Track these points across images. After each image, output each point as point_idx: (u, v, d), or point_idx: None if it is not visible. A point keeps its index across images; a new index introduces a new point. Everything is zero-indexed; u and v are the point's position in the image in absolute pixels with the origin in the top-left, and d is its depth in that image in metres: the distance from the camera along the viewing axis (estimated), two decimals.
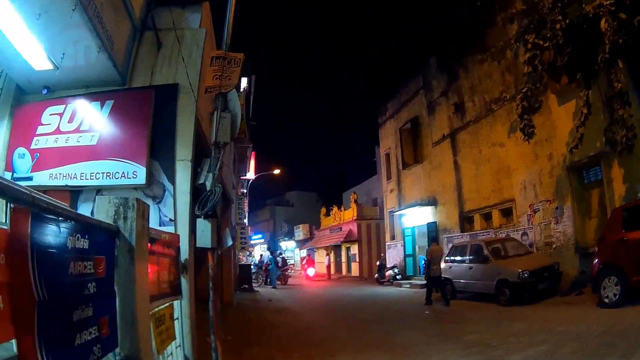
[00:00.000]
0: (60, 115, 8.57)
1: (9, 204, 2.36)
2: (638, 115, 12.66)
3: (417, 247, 29.88)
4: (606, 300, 11.40)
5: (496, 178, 21.09)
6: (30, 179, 8.22)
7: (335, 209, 51.39)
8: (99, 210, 4.25)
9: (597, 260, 12.10)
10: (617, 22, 11.01)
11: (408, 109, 30.55)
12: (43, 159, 8.39)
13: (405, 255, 30.75)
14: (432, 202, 27.34)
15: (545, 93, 15.50)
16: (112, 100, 8.60)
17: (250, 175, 34.66)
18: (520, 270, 14.68)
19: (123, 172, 8.20)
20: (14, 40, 6.84)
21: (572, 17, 12.50)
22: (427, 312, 16.04)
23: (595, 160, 15.14)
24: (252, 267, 35.10)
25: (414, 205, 28.92)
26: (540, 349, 8.54)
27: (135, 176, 8.18)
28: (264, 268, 36.02)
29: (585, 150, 14.41)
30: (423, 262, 23.42)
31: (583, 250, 15.39)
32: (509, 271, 15.14)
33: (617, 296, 11.09)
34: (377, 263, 33.98)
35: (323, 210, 56.31)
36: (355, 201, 45.45)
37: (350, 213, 46.22)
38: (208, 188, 8.37)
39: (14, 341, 2.31)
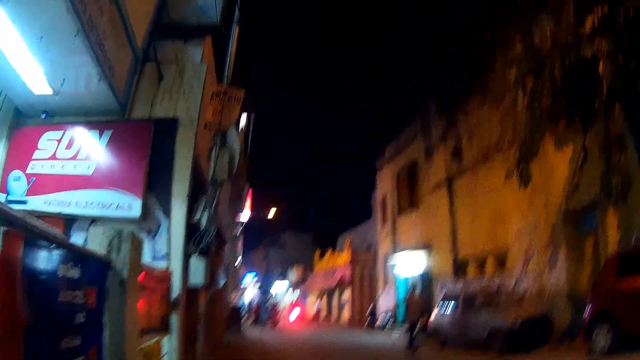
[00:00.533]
0: (58, 141, 8.52)
1: (1, 227, 2.32)
2: (634, 161, 12.69)
3: None
4: (597, 349, 11.28)
5: (492, 225, 21.02)
6: (24, 202, 8.14)
7: (330, 251, 51.12)
8: (93, 241, 4.23)
9: (589, 307, 12.01)
10: (615, 65, 11.13)
11: (406, 154, 30.68)
12: (39, 184, 8.31)
13: (398, 302, 30.48)
14: (426, 247, 27.17)
15: (542, 139, 15.56)
16: (111, 130, 8.58)
17: (246, 214, 34.44)
18: (512, 319, 14.56)
19: (118, 204, 8.12)
20: (15, 62, 6.82)
21: (570, 61, 12.63)
22: None
23: (591, 207, 15.10)
24: (241, 310, 34.75)
25: (408, 250, 28.75)
26: None
27: (130, 209, 8.11)
28: (254, 309, 35.80)
29: (581, 197, 14.43)
30: None
31: (576, 298, 15.25)
32: (501, 320, 15.00)
33: (609, 344, 10.96)
34: (369, 309, 33.70)
35: (317, 252, 56.04)
36: (350, 245, 45.25)
37: (344, 257, 45.96)
38: (203, 226, 8.35)
39: None
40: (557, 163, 16.62)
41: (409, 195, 29.66)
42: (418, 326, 18.48)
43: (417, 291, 22.28)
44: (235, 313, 29.50)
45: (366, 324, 31.92)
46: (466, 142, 23.57)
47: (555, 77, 12.90)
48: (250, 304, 37.41)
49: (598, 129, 13.33)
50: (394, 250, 31.23)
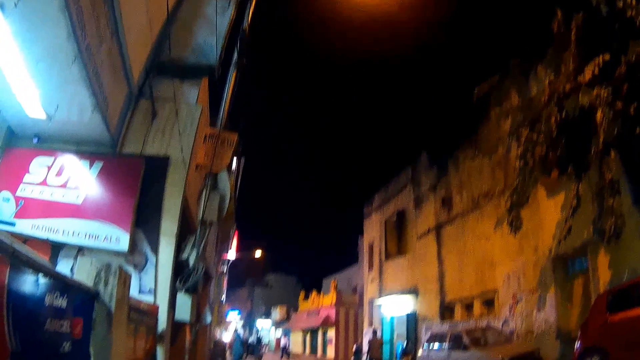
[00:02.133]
0: (49, 167, 8.55)
1: None
2: (628, 203, 12.78)
3: (395, 334, 29.40)
4: None
5: (480, 269, 20.98)
6: (12, 224, 8.11)
7: (314, 293, 50.95)
8: (80, 272, 4.22)
9: (579, 343, 11.98)
10: (613, 112, 11.28)
11: (395, 202, 30.73)
12: (27, 207, 8.29)
13: (383, 342, 30.24)
14: (413, 291, 27.01)
15: (534, 186, 15.68)
16: (102, 162, 8.61)
17: (232, 253, 34.30)
18: (500, 357, 14.48)
19: (106, 236, 8.11)
20: (12, 81, 6.83)
21: (567, 110, 12.79)
22: None
23: (582, 250, 15.10)
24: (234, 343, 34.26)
25: (395, 294, 28.63)
26: None
27: (118, 242, 8.10)
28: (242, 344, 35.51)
29: (572, 240, 14.43)
30: (400, 348, 25.77)
31: (565, 336, 15.19)
32: (488, 358, 14.90)
33: None
34: (354, 348, 33.44)
35: (302, 294, 55.91)
36: (336, 288, 45.17)
37: (329, 299, 45.82)
38: (191, 264, 8.34)
39: None
40: (548, 209, 16.69)
41: (397, 241, 29.65)
42: None
43: (378, 334, 27.10)
44: (219, 348, 29.21)
45: None
46: (456, 191, 23.66)
47: (550, 127, 13.05)
48: (237, 339, 36.84)
49: (592, 174, 13.45)
50: (380, 294, 31.07)
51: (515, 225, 14.56)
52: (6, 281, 2.40)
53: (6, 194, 8.38)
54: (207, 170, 8.95)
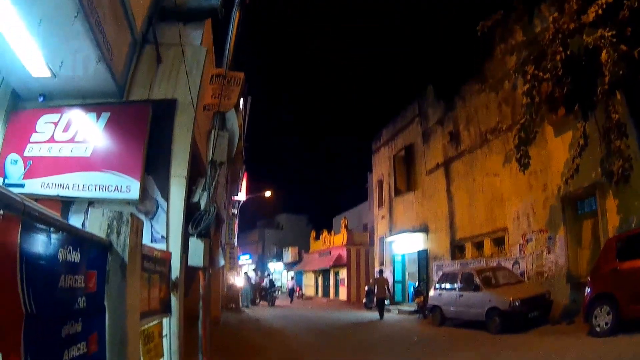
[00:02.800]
0: (55, 124, 8.47)
1: None
2: (635, 146, 12.67)
3: (406, 273, 29.79)
4: (598, 330, 11.32)
5: (489, 207, 21.07)
6: (22, 185, 8.11)
7: (325, 233, 51.22)
8: (92, 223, 4.17)
9: (589, 289, 12.06)
10: (617, 53, 11.11)
11: (403, 137, 30.62)
12: (36, 167, 8.27)
13: (395, 282, 30.59)
14: (423, 229, 27.24)
15: (541, 124, 15.57)
16: (109, 113, 8.51)
17: (242, 196, 34.40)
18: (511, 299, 14.62)
19: (116, 186, 8.08)
20: (14, 44, 6.76)
21: (572, 49, 12.62)
22: (415, 338, 15.94)
23: (590, 191, 15.13)
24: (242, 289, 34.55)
25: (405, 232, 28.88)
26: None
27: (128, 190, 8.07)
28: (253, 289, 35.90)
29: (581, 181, 14.41)
30: (412, 288, 26.40)
31: (575, 280, 15.33)
32: (500, 299, 15.08)
33: (609, 326, 11.03)
34: (366, 288, 33.72)
35: (313, 234, 56.15)
36: (346, 226, 45.35)
37: (340, 238, 46.08)
38: (202, 207, 8.29)
39: None
40: (556, 147, 16.63)
41: (406, 177, 29.61)
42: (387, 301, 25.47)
43: (385, 273, 28.36)
44: (232, 292, 29.52)
45: (363, 302, 31.84)
46: (464, 126, 23.61)
47: (556, 65, 12.89)
48: (247, 283, 37.10)
49: (598, 115, 13.34)
50: (391, 232, 31.26)
51: (524, 163, 14.52)
52: (19, 241, 2.34)
53: (14, 156, 8.35)
54: (215, 109, 8.83)
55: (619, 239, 12.01)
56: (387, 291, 25.60)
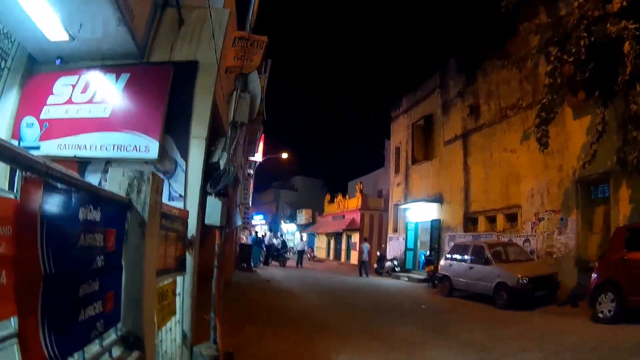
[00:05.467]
0: (73, 86, 8.42)
1: (19, 173, 2.27)
2: None
3: (418, 241, 29.99)
4: (601, 316, 11.49)
5: (504, 183, 21.10)
6: (37, 148, 8.09)
7: (339, 196, 51.35)
8: (112, 182, 4.19)
9: (596, 275, 12.17)
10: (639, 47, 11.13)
11: (423, 106, 30.54)
12: (52, 129, 8.24)
13: (406, 249, 30.82)
14: (437, 199, 27.35)
15: (561, 105, 15.52)
16: (129, 74, 8.46)
17: (258, 157, 34.43)
18: (519, 276, 14.75)
19: (135, 146, 8.10)
20: (30, 10, 6.73)
21: (596, 36, 12.58)
22: (423, 306, 16.18)
23: (605, 178, 15.17)
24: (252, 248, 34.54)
25: (420, 201, 29.00)
26: (534, 356, 8.63)
27: (147, 150, 8.11)
28: (264, 249, 36.08)
29: (596, 166, 14.39)
30: (423, 257, 26.77)
31: (583, 263, 15.43)
32: (508, 275, 15.22)
33: (612, 313, 11.17)
34: (377, 254, 33.91)
35: (327, 197, 56.33)
36: (361, 191, 45.42)
37: (354, 202, 46.20)
38: (222, 167, 8.36)
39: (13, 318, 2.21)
40: (574, 130, 16.59)
41: (423, 146, 29.61)
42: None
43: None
44: (245, 252, 29.69)
45: (374, 267, 32.03)
46: (484, 100, 23.54)
47: (579, 49, 12.86)
48: (259, 243, 37.24)
49: (617, 104, 13.33)
50: (406, 199, 31.41)
51: (544, 142, 14.56)
52: (40, 203, 2.35)
53: (29, 119, 8.31)
54: (237, 71, 8.84)
55: (629, 229, 12.06)
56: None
